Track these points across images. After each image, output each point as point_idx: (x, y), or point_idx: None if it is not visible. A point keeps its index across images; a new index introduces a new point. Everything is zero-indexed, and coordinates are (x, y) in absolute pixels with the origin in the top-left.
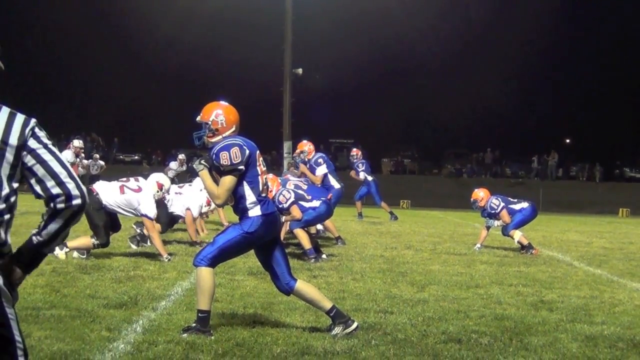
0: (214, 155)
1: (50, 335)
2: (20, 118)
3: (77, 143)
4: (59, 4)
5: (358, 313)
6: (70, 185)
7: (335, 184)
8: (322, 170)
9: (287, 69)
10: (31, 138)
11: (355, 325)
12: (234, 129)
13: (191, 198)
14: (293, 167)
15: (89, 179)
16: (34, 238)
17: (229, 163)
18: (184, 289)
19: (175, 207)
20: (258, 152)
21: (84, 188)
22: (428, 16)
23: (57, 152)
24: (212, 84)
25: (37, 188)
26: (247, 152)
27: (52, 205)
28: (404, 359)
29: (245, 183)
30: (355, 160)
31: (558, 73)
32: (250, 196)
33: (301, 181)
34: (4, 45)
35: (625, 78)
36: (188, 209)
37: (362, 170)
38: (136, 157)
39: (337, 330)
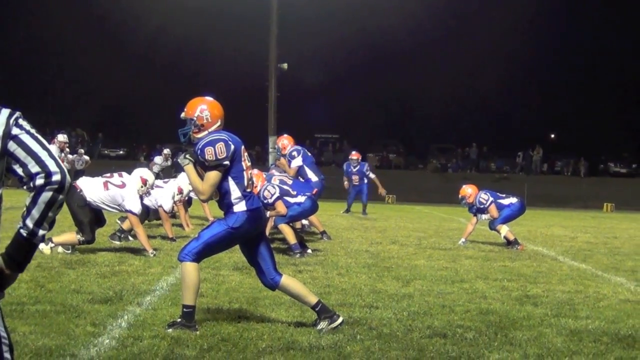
0: (199, 151)
1: (35, 331)
2: (5, 111)
3: (62, 138)
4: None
5: (343, 308)
6: (50, 163)
7: (312, 176)
8: (296, 162)
9: (272, 64)
10: (14, 127)
11: (340, 320)
12: (219, 123)
13: (162, 193)
14: (278, 160)
15: (74, 173)
16: (21, 231)
17: (214, 158)
18: (169, 284)
19: (148, 200)
20: (243, 147)
21: (64, 167)
22: (413, 11)
23: (40, 137)
24: (197, 79)
25: (19, 171)
26: (232, 147)
27: (31, 184)
28: (389, 353)
29: (230, 178)
30: (357, 165)
31: (543, 69)
32: (235, 191)
33: (286, 176)
34: None
35: (609, 74)
36: (160, 205)
37: (369, 171)
38: (121, 152)
39: (323, 325)
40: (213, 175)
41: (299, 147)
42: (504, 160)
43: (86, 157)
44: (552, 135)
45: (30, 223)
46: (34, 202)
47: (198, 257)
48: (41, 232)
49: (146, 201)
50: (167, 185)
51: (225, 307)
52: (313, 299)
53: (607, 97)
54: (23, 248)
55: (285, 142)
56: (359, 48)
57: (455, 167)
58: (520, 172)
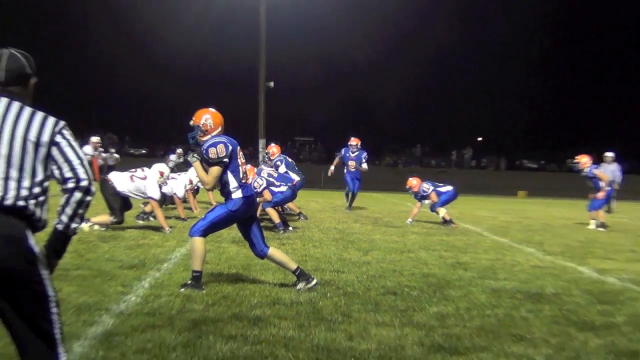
0: (204, 151)
1: (77, 291)
2: (51, 120)
3: (95, 139)
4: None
5: (317, 272)
6: (80, 171)
7: (295, 177)
8: (281, 170)
9: (261, 83)
10: (58, 135)
11: (315, 281)
12: (220, 129)
13: (176, 183)
14: (267, 159)
15: (107, 168)
16: (57, 226)
17: (216, 157)
18: (182, 254)
19: (165, 188)
20: (239, 147)
21: (90, 173)
22: (369, 32)
23: (76, 146)
24: (203, 92)
25: (57, 173)
26: (230, 148)
27: (65, 187)
28: (352, 307)
29: (229, 172)
30: (356, 151)
31: (470, 83)
32: (233, 182)
33: (273, 170)
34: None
35: (524, 87)
36: (175, 193)
37: (365, 162)
38: (143, 151)
39: (301, 285)
40: (215, 170)
41: (282, 157)
42: (441, 157)
43: (116, 155)
44: (479, 138)
45: (64, 218)
46: (67, 201)
47: (204, 233)
48: (73, 225)
49: (164, 189)
50: (180, 177)
51: (225, 272)
52: (293, 265)
53: (523, 107)
54: (59, 239)
55: (274, 149)
56: (327, 66)
57: (404, 163)
58: (455, 167)
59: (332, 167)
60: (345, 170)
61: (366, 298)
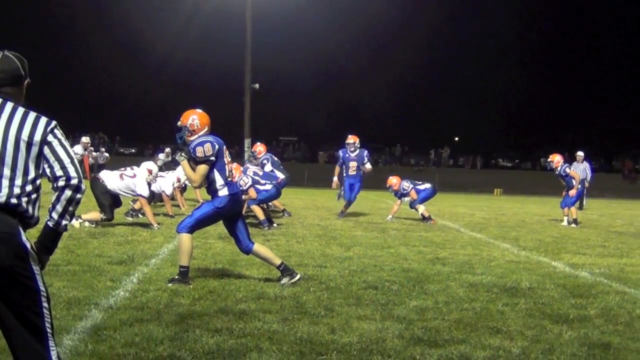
0: (191, 150)
1: (67, 285)
2: (43, 120)
3: (85, 139)
4: (77, 22)
5: (300, 267)
6: (70, 169)
7: (280, 175)
8: (267, 168)
9: (247, 85)
10: (50, 134)
11: (298, 276)
12: (206, 129)
13: (164, 181)
14: (252, 158)
15: (97, 167)
16: (48, 223)
17: (203, 155)
18: (169, 250)
19: (154, 186)
20: (225, 146)
21: (80, 172)
22: (350, 37)
23: (67, 146)
24: (191, 93)
25: (48, 171)
26: (217, 147)
27: (55, 184)
28: (334, 301)
29: (215, 170)
30: (354, 149)
31: (448, 86)
32: (219, 180)
33: (258, 169)
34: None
35: (500, 89)
36: (163, 191)
37: (368, 161)
38: (133, 151)
39: (285, 280)
40: (202, 168)
41: (268, 156)
42: (420, 156)
43: (107, 154)
44: (456, 138)
45: (55, 215)
46: (57, 199)
47: (191, 229)
48: (64, 222)
49: (153, 187)
50: (168, 176)
51: (212, 267)
52: (277, 261)
53: (498, 108)
54: (50, 236)
55: (261, 148)
56: (313, 67)
57: (384, 162)
58: (433, 166)
59: (335, 179)
60: (344, 174)
61: (348, 292)
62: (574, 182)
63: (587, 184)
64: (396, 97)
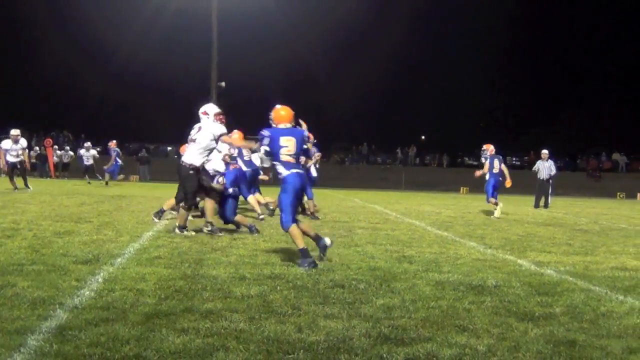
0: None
1: (32, 285)
2: None
3: (14, 132)
4: (43, 23)
5: (267, 266)
6: None
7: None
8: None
9: (213, 83)
10: None
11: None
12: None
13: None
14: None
15: (62, 165)
16: None
17: None
18: (135, 249)
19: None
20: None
21: None
22: (319, 40)
23: None
24: (155, 92)
25: None
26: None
27: None
28: (301, 300)
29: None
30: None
31: (414, 85)
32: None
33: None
34: None
35: (466, 87)
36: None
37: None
38: (98, 149)
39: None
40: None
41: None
42: (387, 155)
43: (71, 153)
44: (423, 137)
45: None
46: None
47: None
48: None
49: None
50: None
51: (178, 266)
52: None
53: (464, 107)
54: None
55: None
56: (279, 67)
57: (351, 161)
58: (400, 164)
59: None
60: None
61: (315, 291)
62: (483, 171)
63: (550, 181)
64: (363, 96)
